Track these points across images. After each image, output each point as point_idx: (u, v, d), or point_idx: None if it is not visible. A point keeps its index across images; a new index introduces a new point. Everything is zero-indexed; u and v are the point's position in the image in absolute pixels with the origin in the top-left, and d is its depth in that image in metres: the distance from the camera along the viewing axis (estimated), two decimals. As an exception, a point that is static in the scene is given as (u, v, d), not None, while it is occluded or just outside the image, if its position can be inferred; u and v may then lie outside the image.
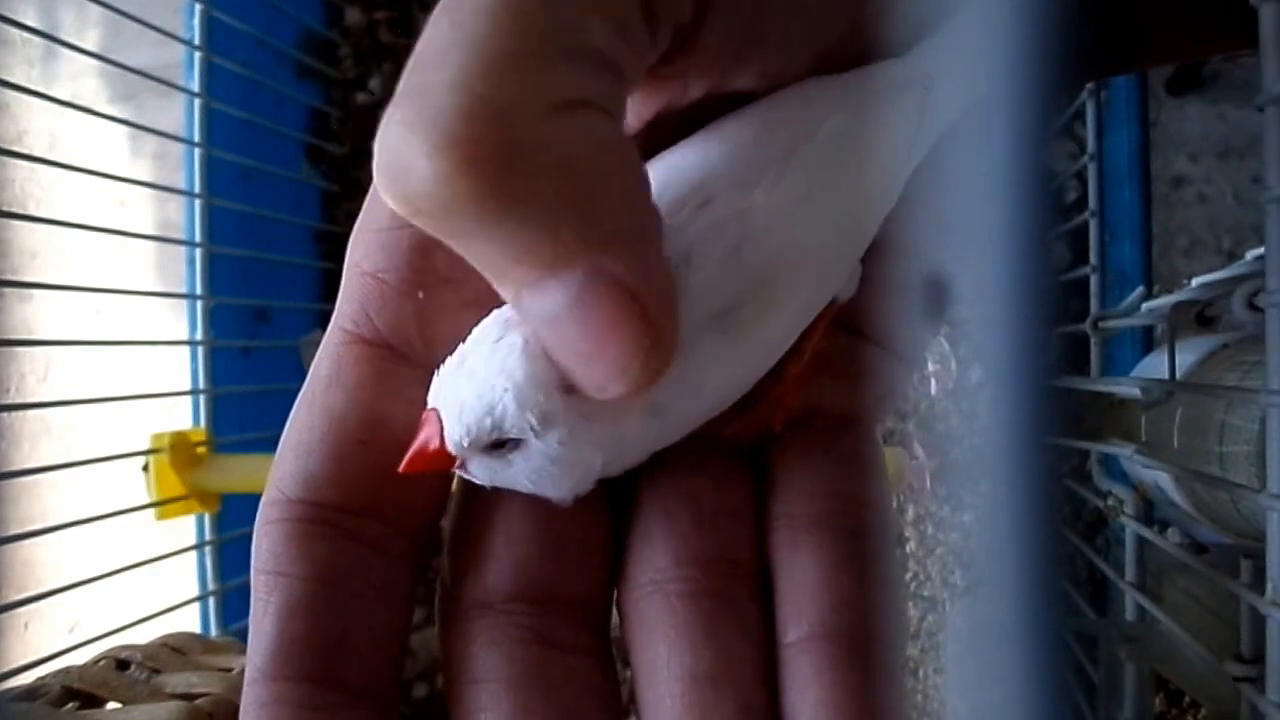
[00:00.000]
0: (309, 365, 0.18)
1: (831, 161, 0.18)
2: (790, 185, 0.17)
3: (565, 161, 0.13)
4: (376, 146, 0.13)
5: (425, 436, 0.16)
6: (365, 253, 0.17)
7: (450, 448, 0.16)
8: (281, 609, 0.16)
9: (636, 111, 0.18)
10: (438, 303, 0.17)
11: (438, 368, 0.16)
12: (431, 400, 0.16)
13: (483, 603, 0.17)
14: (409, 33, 0.81)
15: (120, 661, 0.41)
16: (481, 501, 0.18)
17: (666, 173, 0.18)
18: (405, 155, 0.13)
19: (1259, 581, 0.31)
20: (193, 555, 0.63)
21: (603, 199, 0.14)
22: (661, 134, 0.18)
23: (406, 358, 0.17)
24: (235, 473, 0.62)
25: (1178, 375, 0.44)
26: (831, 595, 0.17)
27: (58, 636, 0.49)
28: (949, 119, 0.19)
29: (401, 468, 0.16)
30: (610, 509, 0.18)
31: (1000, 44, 0.09)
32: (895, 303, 0.19)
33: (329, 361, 0.17)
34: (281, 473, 0.17)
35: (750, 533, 0.18)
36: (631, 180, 0.15)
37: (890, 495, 0.19)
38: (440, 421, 0.16)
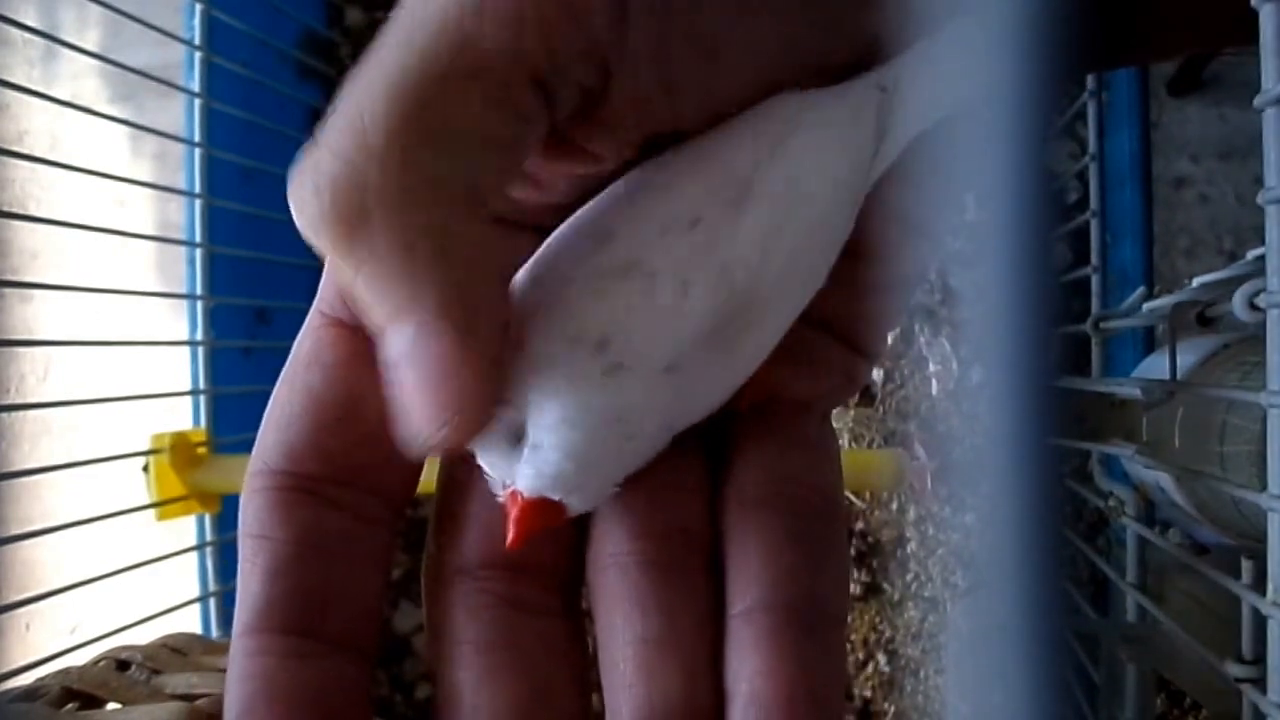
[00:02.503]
0: None
1: (801, 173, 0.18)
2: (769, 202, 0.18)
3: (409, 235, 0.15)
4: (292, 177, 0.16)
5: (518, 515, 0.17)
6: None
7: (571, 513, 0.17)
8: (266, 569, 0.17)
9: (586, 148, 0.19)
10: None
11: None
12: (505, 477, 0.17)
13: (460, 569, 0.18)
14: (409, 33, 0.81)
15: (120, 662, 0.41)
16: (462, 479, 0.19)
17: (650, 191, 0.18)
18: (302, 194, 0.16)
19: (1260, 582, 0.31)
20: (193, 556, 0.63)
21: (437, 273, 0.16)
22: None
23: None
24: (236, 473, 0.62)
25: (1179, 376, 0.44)
26: (776, 570, 0.18)
27: (58, 637, 0.49)
28: (918, 123, 0.19)
29: (510, 545, 0.17)
30: None
31: (1001, 41, 0.09)
32: (859, 300, 0.20)
33: (309, 342, 0.18)
34: (265, 445, 0.18)
35: (703, 509, 0.19)
36: (474, 263, 0.16)
37: (840, 478, 0.20)
38: (525, 501, 0.17)
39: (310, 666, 0.17)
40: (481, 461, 0.17)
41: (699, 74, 0.18)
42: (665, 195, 0.18)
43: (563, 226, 0.19)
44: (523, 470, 0.17)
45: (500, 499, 0.17)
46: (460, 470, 0.19)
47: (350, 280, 0.16)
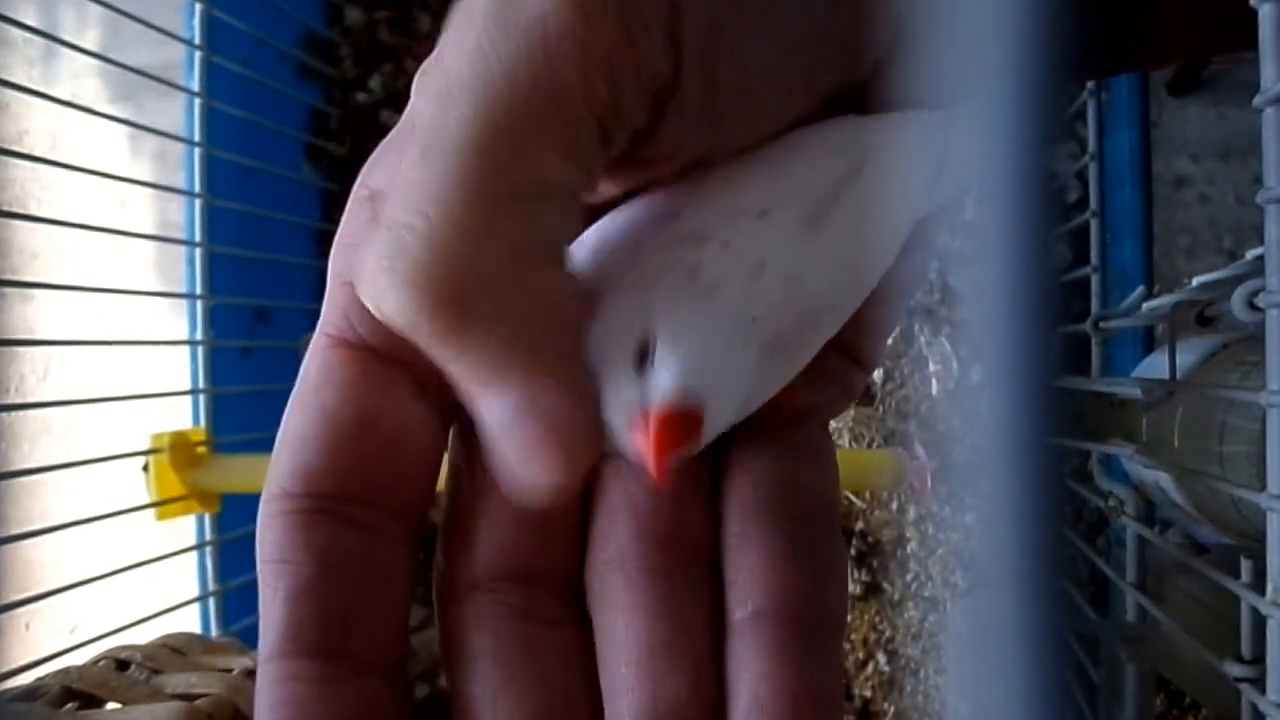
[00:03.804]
0: None
1: (869, 204, 0.19)
2: (838, 226, 0.18)
3: (515, 311, 0.16)
4: (358, 269, 0.16)
5: (660, 430, 0.16)
6: (346, 264, 0.18)
7: (708, 430, 0.17)
8: (289, 593, 0.17)
9: (612, 184, 0.19)
10: None
11: (415, 365, 0.17)
12: (637, 402, 0.17)
13: (472, 584, 0.18)
14: (409, 33, 0.81)
15: (120, 662, 0.41)
16: (469, 493, 0.19)
17: (717, 185, 0.18)
18: (385, 286, 0.15)
19: (1259, 582, 0.31)
20: (193, 555, 0.63)
21: (544, 344, 0.16)
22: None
23: (389, 359, 0.18)
24: (235, 473, 0.62)
25: (1178, 375, 0.44)
26: (776, 577, 0.18)
27: (58, 637, 0.49)
28: (966, 177, 0.20)
29: (656, 473, 0.17)
30: (582, 495, 0.19)
31: (1002, 43, 0.09)
32: (858, 312, 0.20)
33: (318, 364, 0.18)
34: (280, 468, 0.18)
35: (706, 517, 0.19)
36: (569, 326, 0.17)
37: (837, 486, 0.21)
38: (664, 413, 0.17)
39: (343, 690, 0.17)
40: (611, 402, 0.17)
41: (741, 109, 0.18)
42: (734, 190, 0.18)
43: (622, 208, 0.19)
44: (660, 377, 0.17)
45: (627, 445, 0.17)
46: (469, 481, 0.19)
47: (451, 361, 0.16)
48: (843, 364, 0.21)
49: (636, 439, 0.17)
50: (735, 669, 0.17)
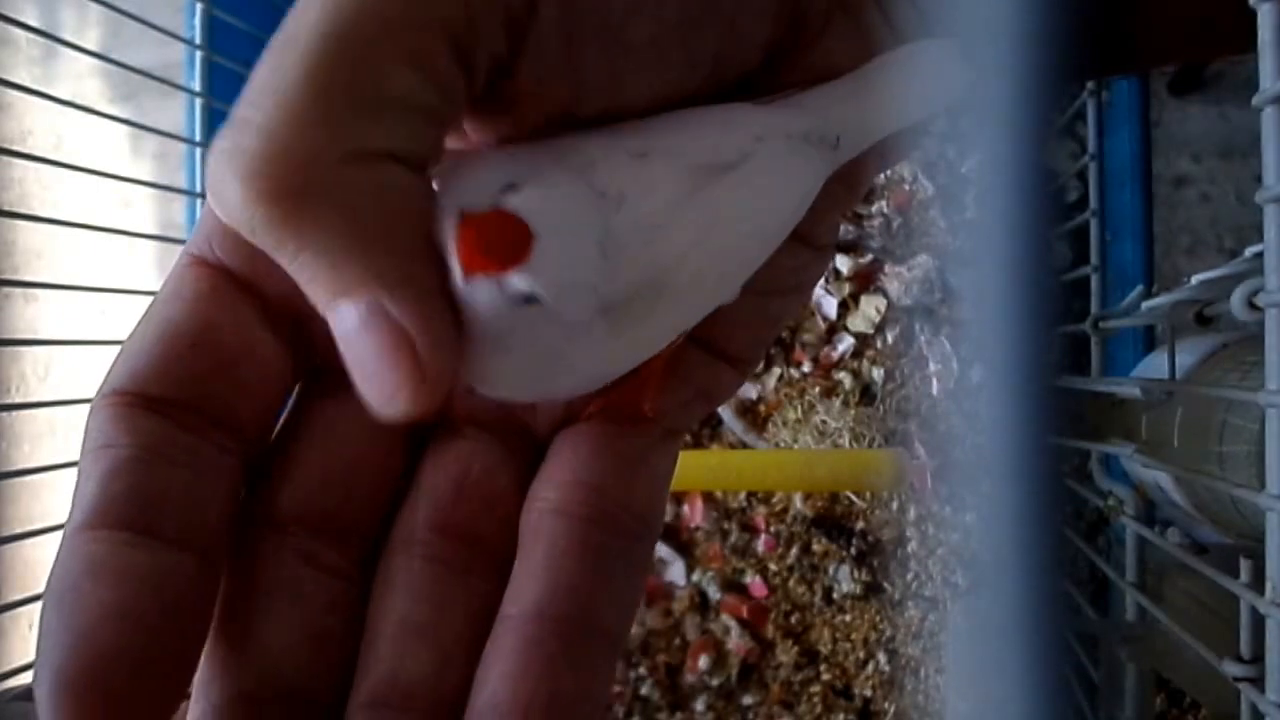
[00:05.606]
0: None
1: (746, 195, 0.19)
2: (706, 206, 0.18)
3: (351, 207, 0.15)
4: (208, 162, 0.16)
5: (475, 235, 0.16)
6: None
7: (515, 279, 0.16)
8: (105, 473, 0.16)
9: (481, 132, 0.19)
10: None
11: (268, 296, 0.18)
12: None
13: (265, 520, 0.18)
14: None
15: (121, 661, 0.41)
16: (294, 436, 0.19)
17: (605, 129, 0.18)
18: (221, 179, 0.15)
19: (1259, 581, 0.31)
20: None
21: (385, 243, 0.15)
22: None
23: (241, 282, 0.18)
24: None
25: (1178, 375, 0.44)
26: (551, 578, 0.18)
27: (59, 636, 0.49)
28: (853, 154, 0.20)
29: (465, 269, 0.16)
30: (405, 466, 0.20)
31: (1003, 42, 0.09)
32: (731, 305, 0.19)
33: (172, 281, 0.18)
34: (113, 373, 0.17)
35: (506, 513, 0.19)
36: (417, 230, 0.16)
37: (658, 498, 0.20)
38: (489, 218, 0.16)
39: (145, 554, 0.16)
40: (449, 205, 0.16)
41: (604, 61, 0.17)
42: (618, 132, 0.18)
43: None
44: (510, 194, 0.16)
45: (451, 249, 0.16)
46: (299, 425, 0.19)
47: (290, 260, 0.15)
48: (703, 361, 0.21)
49: (459, 240, 0.16)
50: (484, 664, 0.17)
